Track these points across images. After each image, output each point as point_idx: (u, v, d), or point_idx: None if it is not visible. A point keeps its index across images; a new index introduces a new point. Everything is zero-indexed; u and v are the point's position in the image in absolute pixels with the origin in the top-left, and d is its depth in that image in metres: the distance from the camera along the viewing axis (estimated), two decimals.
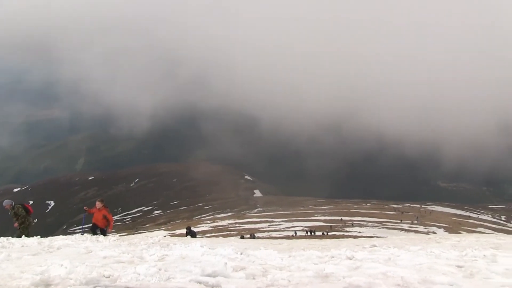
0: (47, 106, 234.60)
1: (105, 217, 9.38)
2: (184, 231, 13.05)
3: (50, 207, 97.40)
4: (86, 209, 10.11)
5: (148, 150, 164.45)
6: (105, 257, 4.79)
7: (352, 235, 5.88)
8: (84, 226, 12.21)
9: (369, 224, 32.72)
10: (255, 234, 16.11)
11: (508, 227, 45.77)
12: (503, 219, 55.60)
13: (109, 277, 4.06)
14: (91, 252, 5.01)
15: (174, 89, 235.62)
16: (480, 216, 53.32)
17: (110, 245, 5.32)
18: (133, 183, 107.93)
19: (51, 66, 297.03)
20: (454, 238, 6.32)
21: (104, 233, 9.32)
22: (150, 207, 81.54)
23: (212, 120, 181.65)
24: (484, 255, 5.08)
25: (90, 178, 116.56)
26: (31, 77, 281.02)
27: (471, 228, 34.40)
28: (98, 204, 9.61)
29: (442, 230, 30.00)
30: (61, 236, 6.95)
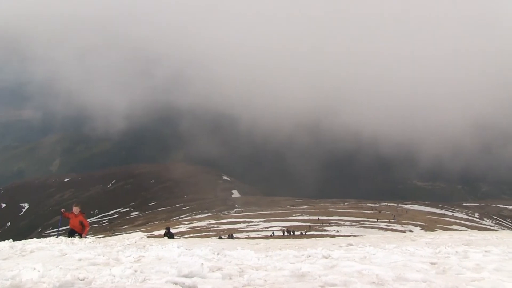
0: (19, 107, 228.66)
1: (81, 223, 9.26)
2: (162, 232, 12.95)
3: (24, 210, 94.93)
4: (63, 212, 9.84)
5: (124, 151, 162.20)
6: (80, 260, 4.69)
7: (330, 235, 5.97)
8: (60, 229, 11.91)
9: (347, 223, 33.05)
10: (233, 235, 16.02)
11: (481, 224, 47.00)
12: (477, 216, 57.08)
13: (83, 279, 3.98)
14: (66, 254, 4.90)
15: (150, 88, 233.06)
16: (455, 214, 54.59)
17: (86, 248, 5.22)
18: (110, 185, 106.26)
19: (23, 65, 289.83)
20: (428, 236, 6.49)
21: (80, 235, 9.34)
22: (128, 209, 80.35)
23: (189, 120, 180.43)
24: (456, 252, 5.22)
25: (66, 180, 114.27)
26: (1, 76, 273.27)
27: (446, 225, 35.17)
28: (76, 210, 9.38)
29: (418, 228, 30.56)
30: (34, 239, 6.77)
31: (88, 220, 7.57)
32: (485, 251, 5.17)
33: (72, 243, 5.53)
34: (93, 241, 5.48)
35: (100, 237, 5.38)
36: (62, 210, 10.13)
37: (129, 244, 5.23)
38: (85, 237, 9.10)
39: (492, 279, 4.21)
